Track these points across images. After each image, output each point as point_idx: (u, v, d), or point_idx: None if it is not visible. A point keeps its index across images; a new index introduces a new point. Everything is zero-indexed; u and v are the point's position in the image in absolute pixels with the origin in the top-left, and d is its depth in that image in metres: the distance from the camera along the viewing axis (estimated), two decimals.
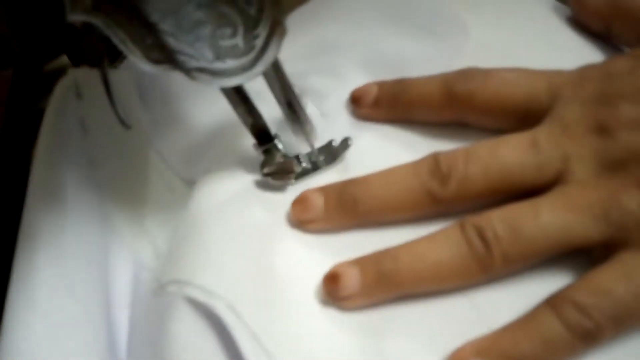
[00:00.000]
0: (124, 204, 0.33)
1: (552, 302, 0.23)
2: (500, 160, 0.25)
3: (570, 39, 0.32)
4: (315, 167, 0.29)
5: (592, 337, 0.22)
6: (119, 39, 0.22)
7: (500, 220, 0.24)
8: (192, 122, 0.33)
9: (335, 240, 0.27)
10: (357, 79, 0.31)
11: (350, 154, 0.29)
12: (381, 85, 0.30)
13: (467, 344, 0.23)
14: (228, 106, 0.31)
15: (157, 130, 0.35)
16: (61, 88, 0.35)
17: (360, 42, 0.33)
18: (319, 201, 0.27)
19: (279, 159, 0.28)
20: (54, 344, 0.27)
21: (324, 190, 0.27)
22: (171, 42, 0.22)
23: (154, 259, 0.31)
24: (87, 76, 0.35)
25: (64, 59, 0.42)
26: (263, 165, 0.28)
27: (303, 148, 0.29)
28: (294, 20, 0.30)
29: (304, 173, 0.29)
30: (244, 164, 0.30)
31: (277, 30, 0.22)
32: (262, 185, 0.29)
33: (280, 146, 0.29)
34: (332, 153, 0.29)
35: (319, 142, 0.29)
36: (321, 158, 0.29)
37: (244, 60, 0.23)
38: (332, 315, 0.25)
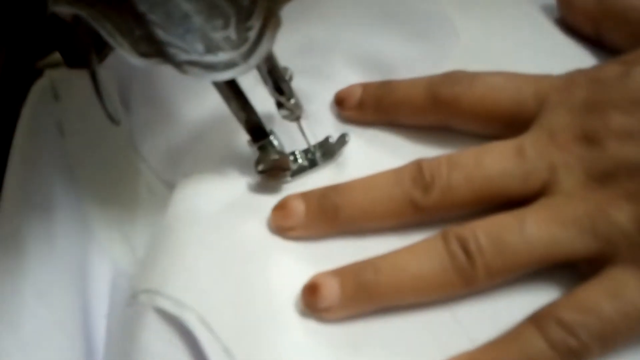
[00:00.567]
0: (103, 208, 0.32)
1: (536, 320, 0.22)
2: (485, 168, 0.24)
3: (559, 41, 0.31)
4: (312, 164, 0.28)
5: (577, 356, 0.21)
6: (106, 31, 0.21)
7: (483, 232, 0.23)
8: (174, 122, 0.32)
9: (315, 248, 0.26)
10: (343, 80, 0.31)
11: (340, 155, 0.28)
12: (366, 86, 0.30)
13: None
14: (211, 106, 0.31)
15: (138, 130, 0.34)
16: (37, 90, 0.34)
17: (347, 42, 0.32)
18: (299, 208, 0.26)
19: (274, 155, 0.27)
20: (24, 357, 0.26)
21: (305, 196, 0.27)
22: (160, 33, 0.21)
23: (132, 265, 0.31)
24: (64, 77, 0.35)
25: (57, 56, 0.41)
26: (258, 162, 0.27)
27: (299, 145, 0.29)
28: None
29: (300, 170, 0.28)
30: (226, 168, 0.29)
31: (271, 21, 0.22)
32: (244, 189, 0.28)
33: (275, 143, 0.28)
34: (328, 150, 0.28)
35: (307, 144, 0.29)
36: (318, 155, 0.29)
37: (237, 53, 0.22)
38: (310, 328, 0.24)
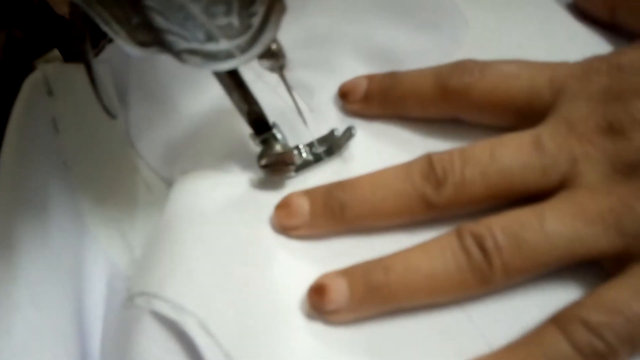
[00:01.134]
0: (99, 206, 0.32)
1: (559, 321, 0.21)
2: (501, 162, 0.23)
3: (572, 28, 0.30)
4: (316, 159, 0.28)
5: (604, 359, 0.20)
6: (101, 19, 0.20)
7: (501, 229, 0.22)
8: (172, 118, 0.31)
9: (321, 247, 0.25)
10: (349, 73, 0.30)
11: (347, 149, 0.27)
12: (371, 78, 0.29)
13: None
14: (210, 100, 0.30)
15: (135, 126, 0.33)
16: (30, 84, 0.33)
17: (353, 33, 0.31)
18: (304, 206, 0.25)
19: (277, 149, 0.26)
20: None
21: (310, 193, 0.26)
22: (159, 20, 0.20)
23: (130, 265, 0.30)
24: (58, 72, 0.34)
25: (55, 53, 0.40)
26: (260, 156, 0.26)
27: (303, 138, 0.28)
28: None
29: (305, 165, 0.27)
30: (226, 163, 0.28)
31: (275, 7, 0.20)
32: (245, 185, 0.27)
33: (279, 136, 0.27)
34: (334, 143, 0.28)
35: (311, 138, 0.28)
36: (322, 149, 0.28)
37: (240, 40, 0.21)
38: (317, 331, 0.23)
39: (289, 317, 0.23)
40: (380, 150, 0.28)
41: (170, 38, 0.21)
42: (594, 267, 0.22)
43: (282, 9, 0.21)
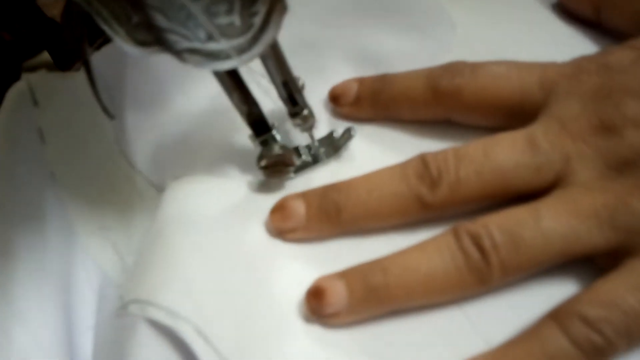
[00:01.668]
0: (89, 215, 0.31)
1: (556, 316, 0.21)
2: (495, 161, 0.23)
3: (557, 28, 0.30)
4: (315, 160, 0.28)
5: (602, 353, 0.20)
6: (101, 18, 0.20)
7: (497, 227, 0.22)
8: (165, 121, 0.31)
9: (318, 250, 0.25)
10: (339, 76, 0.30)
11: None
12: (362, 81, 0.29)
13: None
14: (204, 102, 0.29)
15: (126, 132, 0.33)
16: (13, 95, 0.32)
17: (342, 37, 0.31)
18: (299, 208, 0.25)
19: (277, 150, 0.26)
20: None
21: (305, 196, 0.26)
22: (159, 19, 0.20)
23: (121, 274, 0.29)
24: (43, 81, 0.33)
25: (45, 56, 0.39)
26: (260, 157, 0.26)
27: (302, 139, 0.28)
28: None
29: (304, 166, 0.27)
30: (223, 166, 0.28)
31: (277, 6, 0.20)
32: (243, 188, 0.27)
33: (278, 137, 0.27)
34: (333, 145, 0.28)
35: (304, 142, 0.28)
36: (322, 150, 0.28)
37: (241, 40, 0.21)
38: (316, 335, 0.23)
39: (287, 321, 0.23)
40: (373, 152, 0.27)
41: (171, 37, 0.21)
42: (589, 264, 0.23)
43: (284, 9, 0.20)
